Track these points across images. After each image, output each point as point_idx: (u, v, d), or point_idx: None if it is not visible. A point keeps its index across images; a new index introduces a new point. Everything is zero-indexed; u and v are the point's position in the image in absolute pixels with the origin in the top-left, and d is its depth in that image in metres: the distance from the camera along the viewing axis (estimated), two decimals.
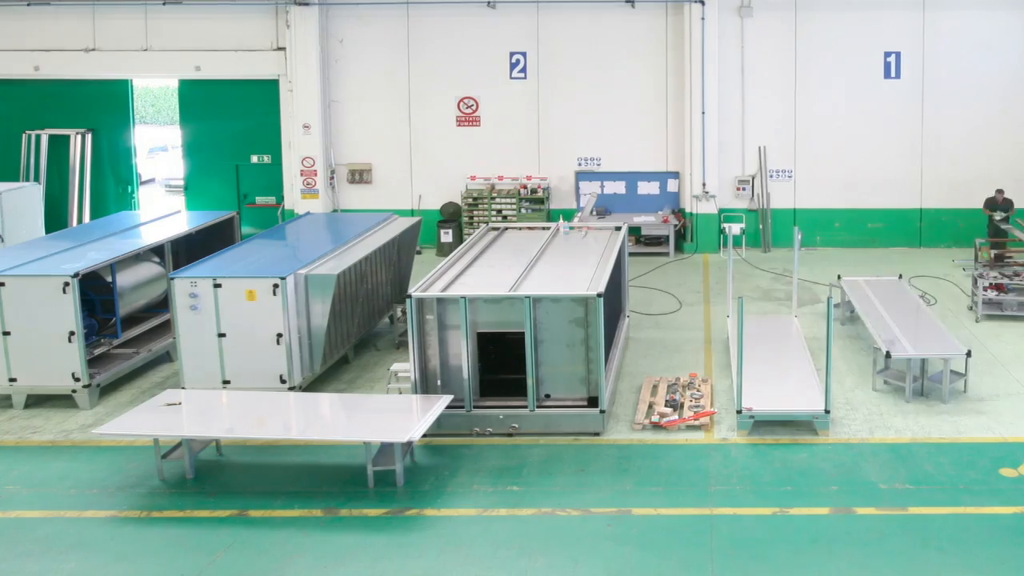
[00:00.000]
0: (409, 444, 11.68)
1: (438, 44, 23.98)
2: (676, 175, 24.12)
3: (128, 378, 15.09)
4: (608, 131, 24.04)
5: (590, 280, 13.37)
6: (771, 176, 23.88)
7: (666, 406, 13.41)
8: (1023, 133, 23.56)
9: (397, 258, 17.33)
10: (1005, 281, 17.84)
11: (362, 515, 10.82)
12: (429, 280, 13.34)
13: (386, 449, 11.56)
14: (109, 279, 14.93)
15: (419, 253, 19.84)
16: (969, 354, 13.82)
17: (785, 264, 21.56)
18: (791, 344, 15.57)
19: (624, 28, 23.74)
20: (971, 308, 18.11)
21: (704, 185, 23.54)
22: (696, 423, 12.97)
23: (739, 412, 12.78)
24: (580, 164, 24.28)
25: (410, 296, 12.57)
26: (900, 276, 18.37)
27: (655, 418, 13.06)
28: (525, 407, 12.70)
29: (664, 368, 15.33)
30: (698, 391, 13.98)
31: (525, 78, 24.00)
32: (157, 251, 16.49)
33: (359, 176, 24.36)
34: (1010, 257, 19.88)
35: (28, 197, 21.77)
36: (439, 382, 12.68)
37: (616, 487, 11.38)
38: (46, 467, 12.14)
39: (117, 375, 14.76)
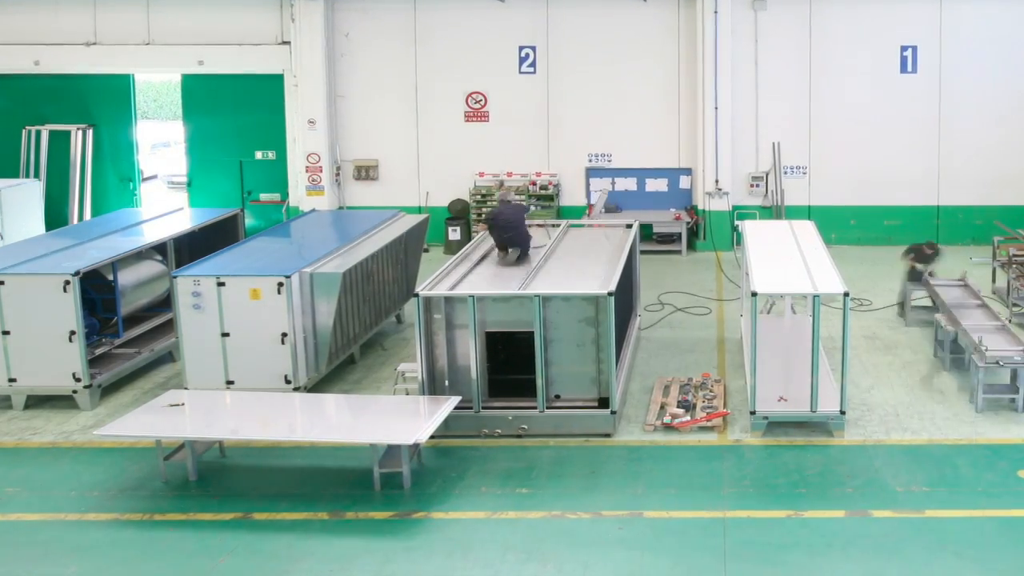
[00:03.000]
0: (416, 446, 11.54)
1: (446, 38, 23.80)
2: (688, 172, 23.89)
3: (130, 378, 14.96)
4: (619, 127, 23.83)
5: (601, 278, 13.20)
6: (785, 173, 23.64)
7: (678, 407, 13.24)
8: None
9: (404, 256, 17.17)
10: None
11: (368, 518, 10.71)
12: (437, 278, 13.22)
13: (393, 451, 11.44)
14: (110, 277, 14.80)
15: (426, 251, 19.73)
16: None
17: None
18: (806, 344, 15.30)
19: (635, 22, 23.54)
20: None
21: (717, 182, 23.31)
22: (709, 424, 12.81)
23: (752, 413, 12.58)
24: (590, 160, 24.06)
25: (417, 295, 12.43)
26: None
27: (667, 419, 12.89)
28: (534, 408, 12.54)
29: (676, 368, 15.15)
30: (711, 391, 13.81)
31: (534, 73, 23.80)
32: (159, 249, 16.36)
33: (365, 173, 24.20)
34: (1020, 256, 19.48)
35: (28, 194, 21.72)
36: (447, 383, 12.54)
37: (627, 489, 11.25)
38: (46, 469, 12.05)
39: (118, 375, 14.63)
